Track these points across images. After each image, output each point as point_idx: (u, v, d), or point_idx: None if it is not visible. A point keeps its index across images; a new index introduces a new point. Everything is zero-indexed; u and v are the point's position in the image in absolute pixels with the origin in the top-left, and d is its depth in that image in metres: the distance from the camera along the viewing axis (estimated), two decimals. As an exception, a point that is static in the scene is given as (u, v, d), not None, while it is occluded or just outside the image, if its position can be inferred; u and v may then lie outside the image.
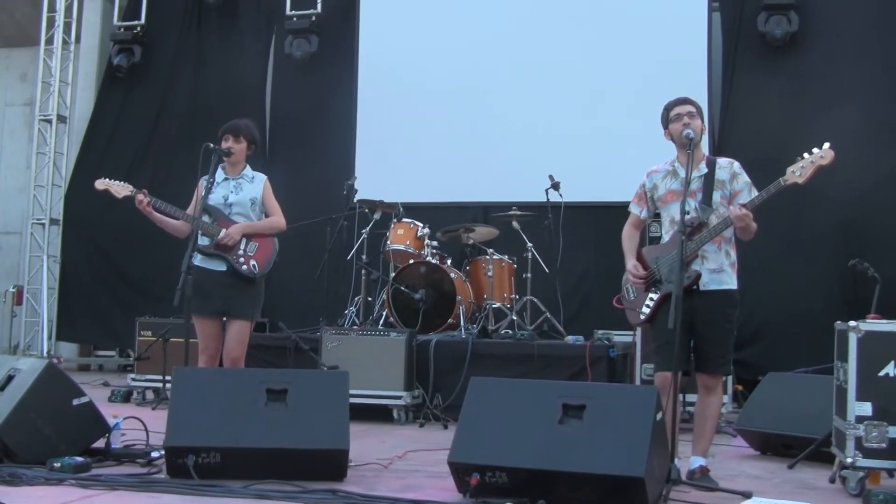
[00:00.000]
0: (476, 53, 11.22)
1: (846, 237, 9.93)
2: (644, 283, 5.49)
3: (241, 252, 6.15)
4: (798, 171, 5.06)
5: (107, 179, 6.40)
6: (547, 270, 9.38)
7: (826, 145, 5.04)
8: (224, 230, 6.11)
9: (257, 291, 6.26)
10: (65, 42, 13.33)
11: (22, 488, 4.79)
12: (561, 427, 4.64)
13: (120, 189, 6.30)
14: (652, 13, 10.75)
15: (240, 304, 6.14)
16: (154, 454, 5.54)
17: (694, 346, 5.35)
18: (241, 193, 6.26)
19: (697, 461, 5.33)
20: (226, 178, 6.28)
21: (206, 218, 6.11)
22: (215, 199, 6.20)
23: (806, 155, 5.07)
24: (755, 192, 5.27)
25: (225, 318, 6.16)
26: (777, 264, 10.08)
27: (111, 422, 5.75)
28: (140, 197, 6.13)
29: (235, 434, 5.12)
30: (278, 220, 6.35)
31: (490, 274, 9.02)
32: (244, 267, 6.12)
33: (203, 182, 6.19)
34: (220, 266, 6.14)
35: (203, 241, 6.10)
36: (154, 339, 9.00)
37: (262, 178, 6.38)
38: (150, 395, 9.22)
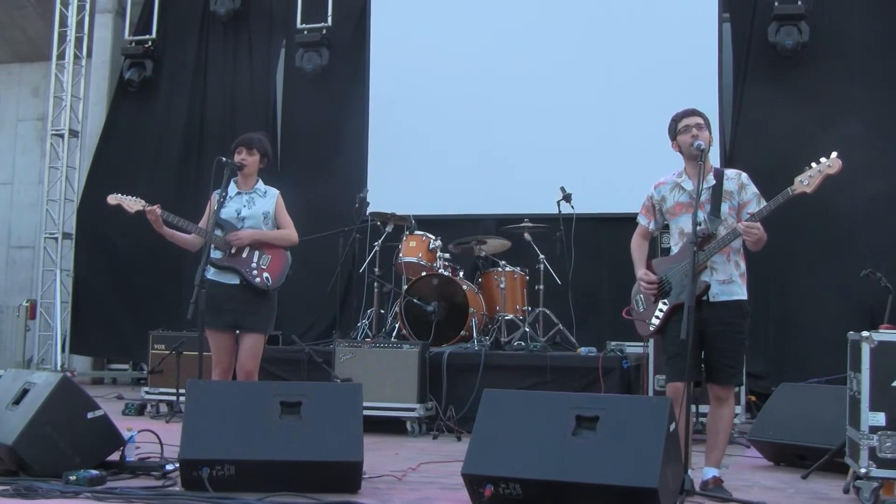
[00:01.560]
0: (487, 65, 11.24)
1: (858, 248, 9.91)
2: (655, 291, 5.49)
3: (253, 265, 6.16)
4: (806, 181, 5.05)
5: (119, 195, 6.41)
6: (559, 282, 9.38)
7: (833, 154, 5.03)
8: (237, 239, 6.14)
9: (270, 305, 6.27)
10: (76, 57, 13.40)
11: (38, 501, 4.82)
12: (574, 438, 4.65)
13: (132, 204, 6.32)
14: (663, 25, 10.76)
15: (253, 317, 6.14)
16: (169, 467, 5.56)
17: (705, 357, 5.34)
18: (254, 207, 6.27)
19: (711, 472, 5.32)
20: (238, 193, 6.30)
21: (218, 232, 6.13)
22: (228, 212, 6.21)
23: (814, 164, 5.06)
24: (764, 203, 5.27)
25: (238, 332, 6.17)
26: (789, 275, 10.08)
27: (125, 435, 5.77)
28: (150, 209, 6.16)
29: (250, 447, 5.14)
30: (290, 233, 6.36)
31: (502, 286, 9.03)
32: (257, 279, 6.13)
33: (216, 196, 6.22)
34: (234, 279, 6.15)
35: (216, 254, 6.11)
36: (167, 352, 9.04)
37: (274, 193, 6.40)
38: (163, 408, 9.24)
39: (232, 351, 6.17)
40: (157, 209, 6.15)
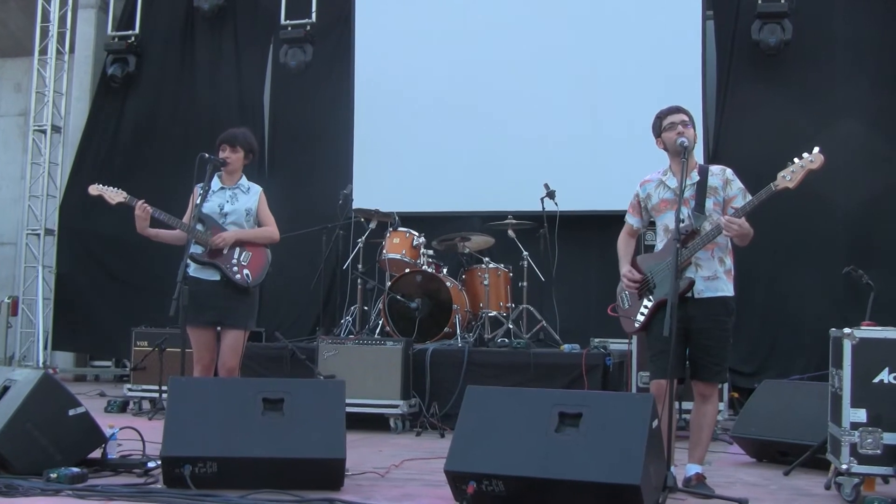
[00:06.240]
0: (472, 63, 11.22)
1: (841, 245, 9.95)
2: (638, 289, 5.50)
3: (234, 261, 6.15)
4: (788, 176, 5.06)
5: (100, 185, 6.40)
6: (543, 279, 9.38)
7: (816, 149, 5.05)
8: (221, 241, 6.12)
9: (251, 301, 6.26)
10: (59, 52, 13.35)
11: (18, 499, 4.79)
12: (557, 435, 4.65)
13: (114, 195, 6.30)
14: (647, 23, 10.75)
15: (234, 313, 6.13)
16: (151, 464, 5.54)
17: (689, 353, 5.35)
18: (237, 203, 6.27)
19: (694, 468, 5.34)
20: (222, 188, 6.29)
21: (199, 226, 6.11)
22: (210, 207, 6.20)
23: (796, 160, 5.07)
24: (750, 198, 5.28)
25: (219, 328, 6.16)
26: (773, 272, 10.12)
27: (107, 432, 5.74)
28: (140, 204, 6.12)
29: (232, 444, 5.12)
30: (272, 230, 6.35)
31: (486, 283, 9.02)
32: (237, 276, 6.11)
33: (198, 189, 6.20)
34: (214, 276, 6.14)
35: (196, 249, 6.09)
36: (150, 349, 9.01)
37: (257, 190, 6.39)
38: (146, 405, 9.21)
39: (213, 348, 6.16)
40: (147, 206, 6.12)
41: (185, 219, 6.26)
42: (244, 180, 6.38)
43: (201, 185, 6.17)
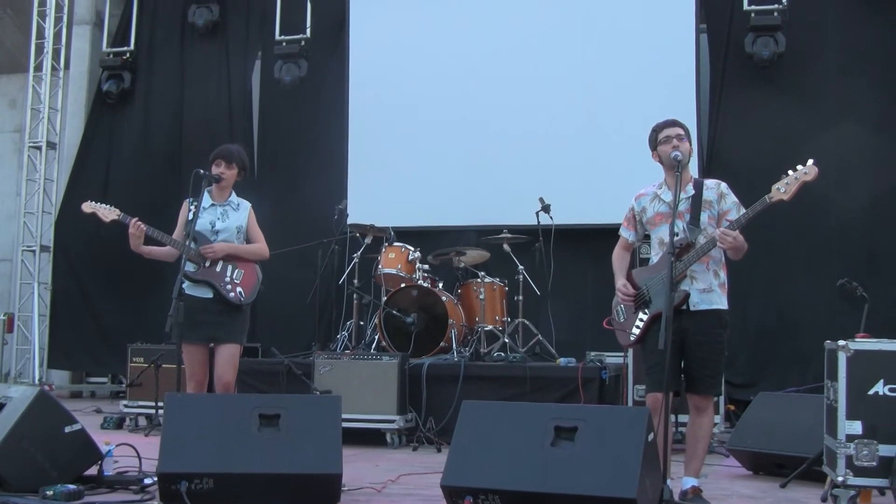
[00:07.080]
0: (467, 77, 11.24)
1: (837, 255, 9.96)
2: (633, 302, 5.51)
3: (227, 279, 6.14)
4: (783, 188, 5.07)
5: (94, 202, 6.37)
6: (538, 293, 9.39)
7: (810, 162, 5.06)
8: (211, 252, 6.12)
9: (244, 317, 6.26)
10: (54, 69, 13.36)
11: (14, 516, 4.80)
12: (553, 449, 4.64)
13: (107, 213, 6.28)
14: (641, 36, 10.78)
15: (228, 328, 6.12)
16: (147, 481, 5.54)
17: (684, 366, 5.36)
18: (228, 221, 6.25)
19: (690, 481, 5.33)
20: (213, 204, 6.26)
21: (191, 244, 6.09)
22: (202, 224, 6.17)
23: (790, 172, 5.08)
24: (744, 211, 5.29)
25: (212, 345, 6.14)
26: (769, 283, 10.12)
27: (103, 449, 5.74)
28: (135, 222, 6.11)
29: (228, 460, 5.11)
30: (263, 247, 6.35)
31: (482, 297, 9.03)
32: (231, 294, 6.10)
33: (187, 203, 6.20)
34: (207, 293, 6.12)
35: (189, 267, 6.07)
36: (146, 365, 9.00)
37: (247, 206, 6.38)
38: (142, 421, 9.19)
39: (206, 364, 6.15)
40: (141, 224, 6.11)
41: (176, 233, 6.25)
42: (234, 197, 6.37)
43: (191, 199, 6.17)
